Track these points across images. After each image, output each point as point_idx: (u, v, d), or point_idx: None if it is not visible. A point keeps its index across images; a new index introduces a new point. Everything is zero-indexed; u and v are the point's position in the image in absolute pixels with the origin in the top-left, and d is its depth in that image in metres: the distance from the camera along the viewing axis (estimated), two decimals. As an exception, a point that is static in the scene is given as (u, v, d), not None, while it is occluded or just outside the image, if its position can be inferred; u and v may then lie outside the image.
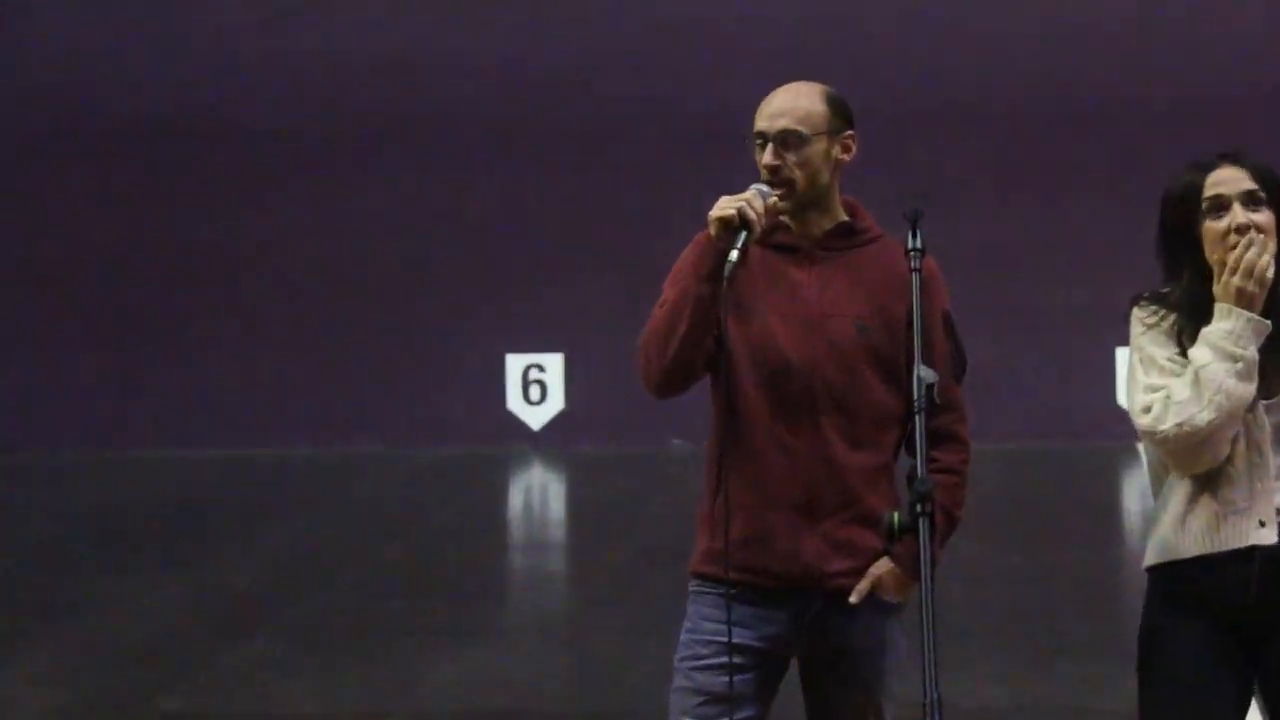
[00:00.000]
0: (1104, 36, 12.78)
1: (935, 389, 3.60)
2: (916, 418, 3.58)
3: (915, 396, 3.59)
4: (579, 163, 13.20)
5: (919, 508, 3.44)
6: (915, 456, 3.61)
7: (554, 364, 13.29)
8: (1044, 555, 8.88)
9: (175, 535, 10.34)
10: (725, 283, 3.68)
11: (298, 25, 13.35)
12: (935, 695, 3.31)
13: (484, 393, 13.27)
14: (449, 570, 9.20)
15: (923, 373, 3.61)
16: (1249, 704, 3.76)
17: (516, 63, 13.21)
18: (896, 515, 3.53)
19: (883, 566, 3.79)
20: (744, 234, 3.71)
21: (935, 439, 3.76)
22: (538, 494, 12.27)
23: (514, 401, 13.32)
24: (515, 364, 13.32)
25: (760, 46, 12.63)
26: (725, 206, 3.72)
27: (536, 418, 13.31)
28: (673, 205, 11.94)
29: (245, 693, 7.03)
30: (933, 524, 3.46)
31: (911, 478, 3.53)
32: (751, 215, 3.71)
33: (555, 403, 13.29)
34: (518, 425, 13.30)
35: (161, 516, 11.04)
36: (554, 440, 13.18)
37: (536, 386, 13.29)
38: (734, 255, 3.69)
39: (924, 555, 3.44)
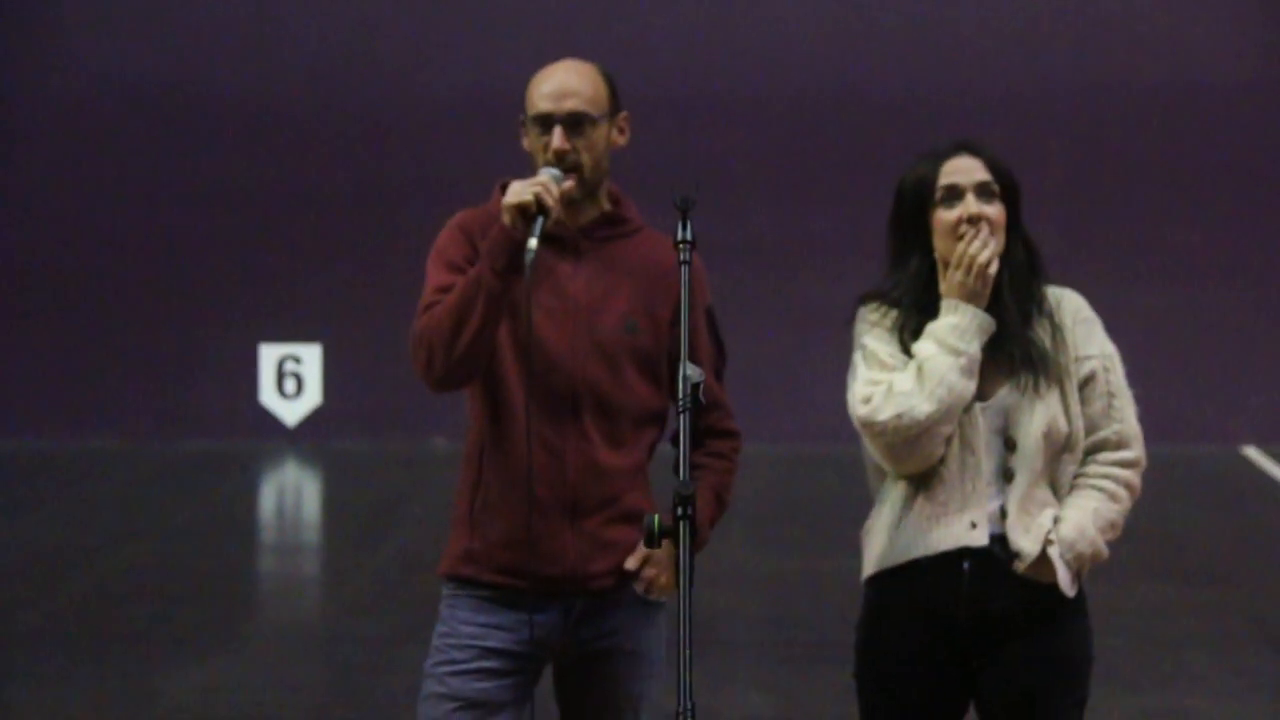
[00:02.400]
0: (888, 33, 13.04)
1: (701, 388, 3.66)
2: (682, 417, 3.63)
3: (681, 395, 3.64)
4: (339, 148, 13.17)
5: (680, 511, 3.50)
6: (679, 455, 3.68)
7: (311, 355, 13.23)
8: (810, 561, 9.06)
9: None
10: (528, 271, 3.65)
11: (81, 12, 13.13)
12: (689, 704, 3.36)
13: (236, 385, 13.17)
14: (194, 574, 9.11)
15: (689, 372, 3.66)
16: (964, 712, 3.87)
17: (275, 49, 13.12)
18: (657, 518, 3.58)
19: (654, 557, 3.83)
20: (540, 220, 3.68)
21: (708, 435, 3.85)
22: (291, 493, 12.20)
23: (268, 394, 13.23)
24: (270, 354, 13.24)
25: (524, 31, 12.69)
26: (521, 192, 3.69)
27: (292, 412, 13.23)
28: (434, 193, 11.97)
29: (-32, 703, 6.92)
30: (693, 526, 3.52)
31: (676, 476, 3.58)
32: (549, 200, 3.69)
33: (312, 396, 13.23)
34: (271, 420, 13.22)
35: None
36: (310, 436, 13.13)
37: (292, 379, 13.22)
38: (532, 243, 3.65)
39: (682, 559, 3.49)
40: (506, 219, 3.71)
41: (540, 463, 3.81)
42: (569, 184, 3.78)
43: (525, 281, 3.69)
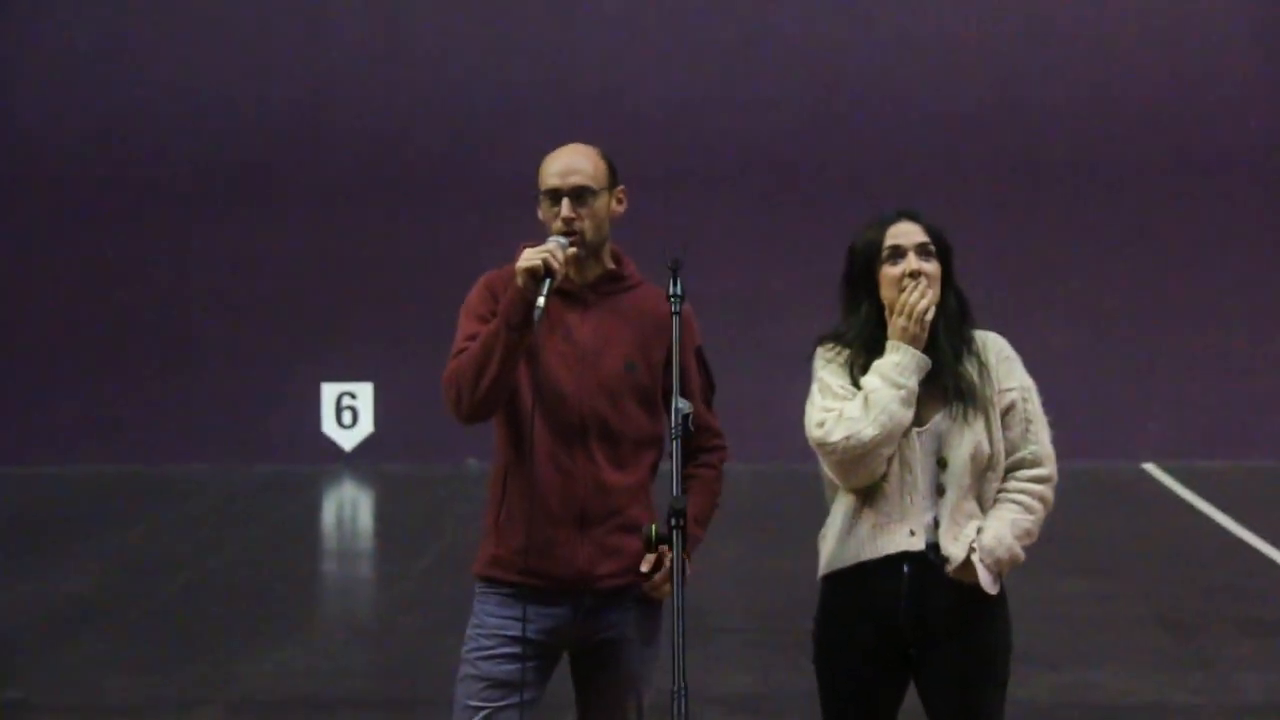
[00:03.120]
0: (836, 117, 13.07)
1: (690, 418, 3.68)
2: (674, 444, 3.65)
3: (673, 424, 3.66)
4: (387, 216, 13.18)
5: (673, 521, 3.52)
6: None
7: (364, 392, 13.22)
8: (787, 561, 9.03)
9: (15, 545, 10.08)
10: (535, 326, 3.67)
11: (129, 78, 13.14)
12: (683, 684, 3.36)
13: (301, 417, 13.15)
14: (266, 577, 9.09)
15: (680, 404, 3.68)
16: (904, 692, 3.86)
17: (334, 129, 13.15)
18: (654, 527, 3.60)
19: (665, 572, 3.82)
20: (548, 281, 3.69)
21: (699, 452, 3.88)
22: (348, 508, 12.17)
23: (328, 425, 13.21)
24: (330, 391, 13.22)
25: (542, 115, 12.73)
26: (531, 258, 3.70)
27: (348, 440, 13.21)
28: (464, 254, 11.98)
29: (78, 687, 6.89)
30: (684, 535, 3.52)
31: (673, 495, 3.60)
32: (555, 264, 3.69)
33: (365, 426, 13.21)
34: (331, 446, 13.19)
35: (1, 528, 10.76)
36: (364, 460, 13.10)
37: (349, 412, 13.20)
38: (541, 301, 3.66)
39: (676, 561, 3.49)
40: (519, 281, 3.71)
41: (554, 481, 3.81)
42: (573, 250, 3.79)
43: (536, 332, 3.71)
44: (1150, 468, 12.71)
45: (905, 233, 3.83)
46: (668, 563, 3.77)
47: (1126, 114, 13.02)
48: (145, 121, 13.14)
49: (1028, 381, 3.87)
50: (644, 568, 3.81)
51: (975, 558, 3.74)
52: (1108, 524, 10.40)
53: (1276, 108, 13.03)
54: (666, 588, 3.82)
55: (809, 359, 3.90)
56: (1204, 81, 13.01)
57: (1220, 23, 13.04)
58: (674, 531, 3.51)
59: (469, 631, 3.90)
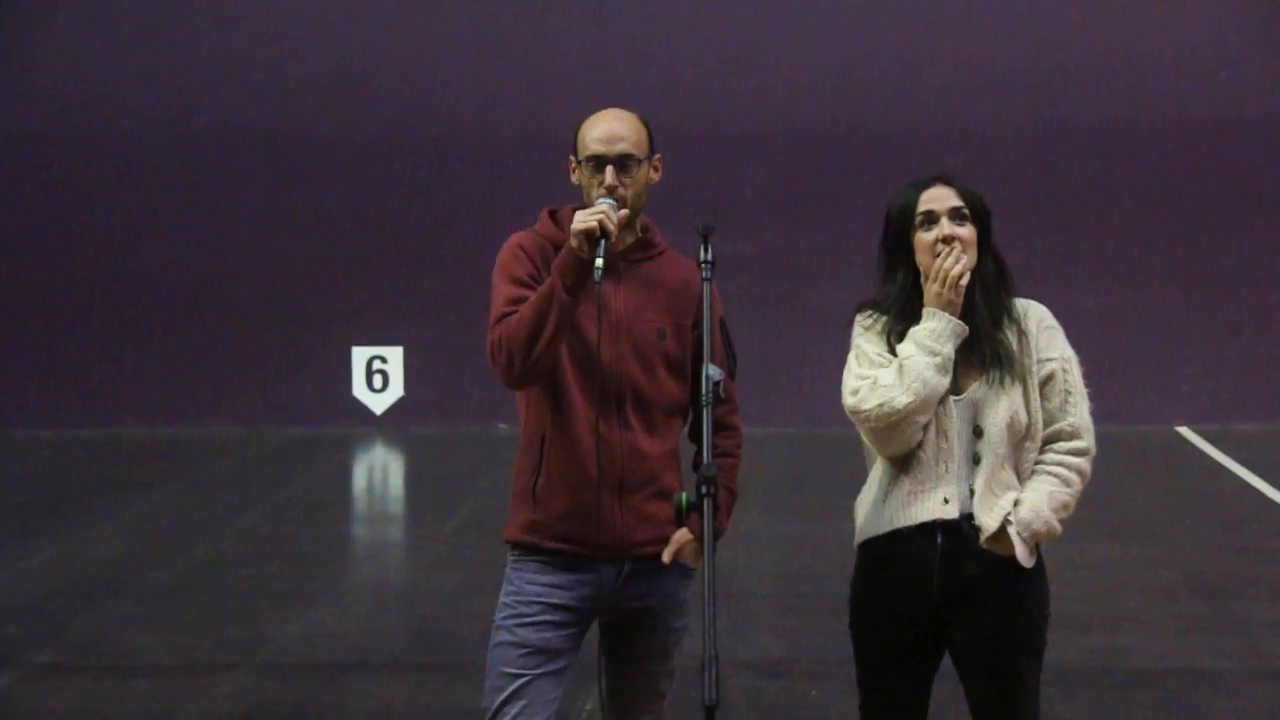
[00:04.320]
0: (879, 76, 13.00)
1: (720, 385, 3.65)
2: (705, 410, 3.62)
3: (705, 391, 3.62)
4: (414, 183, 13.18)
5: (704, 489, 3.49)
6: (698, 443, 3.66)
7: (395, 356, 13.24)
8: (815, 526, 9.03)
9: (46, 508, 10.14)
10: (595, 286, 3.64)
11: (162, 42, 13.15)
12: (714, 651, 3.34)
13: (332, 381, 13.19)
14: (297, 539, 9.12)
15: (711, 371, 3.65)
16: (939, 659, 3.85)
17: (361, 100, 13.15)
18: (685, 496, 3.58)
19: (683, 535, 3.81)
20: (604, 242, 3.65)
21: (715, 427, 3.78)
22: (379, 471, 12.20)
23: (359, 389, 13.24)
24: (360, 355, 13.25)
25: (569, 82, 12.70)
26: (586, 219, 3.65)
27: (379, 403, 13.24)
28: (493, 217, 11.98)
29: (111, 647, 6.92)
30: (715, 502, 3.50)
31: (698, 464, 3.57)
32: (610, 226, 3.66)
33: (395, 390, 13.24)
34: (362, 410, 13.23)
35: (33, 491, 10.82)
36: (394, 423, 13.13)
37: (379, 375, 13.22)
38: (599, 262, 3.63)
39: (707, 529, 3.47)
40: (574, 243, 3.66)
41: (592, 448, 3.78)
42: (624, 212, 3.76)
43: (594, 294, 3.69)
44: (1183, 430, 12.66)
45: (939, 197, 3.78)
46: (692, 542, 3.77)
47: (1158, 74, 12.92)
48: (174, 85, 13.15)
49: (1069, 352, 3.82)
50: (666, 557, 3.79)
51: (1012, 531, 3.71)
52: (1140, 487, 10.36)
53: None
54: (691, 554, 3.81)
55: (848, 325, 3.87)
56: (1243, 39, 12.89)
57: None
58: (705, 500, 3.49)
59: (505, 599, 3.86)
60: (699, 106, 12.88)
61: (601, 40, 13.08)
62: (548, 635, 3.80)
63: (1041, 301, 3.89)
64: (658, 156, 3.87)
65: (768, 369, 12.06)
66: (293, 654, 6.80)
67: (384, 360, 13.21)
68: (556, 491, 3.80)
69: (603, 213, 3.66)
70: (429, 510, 10.23)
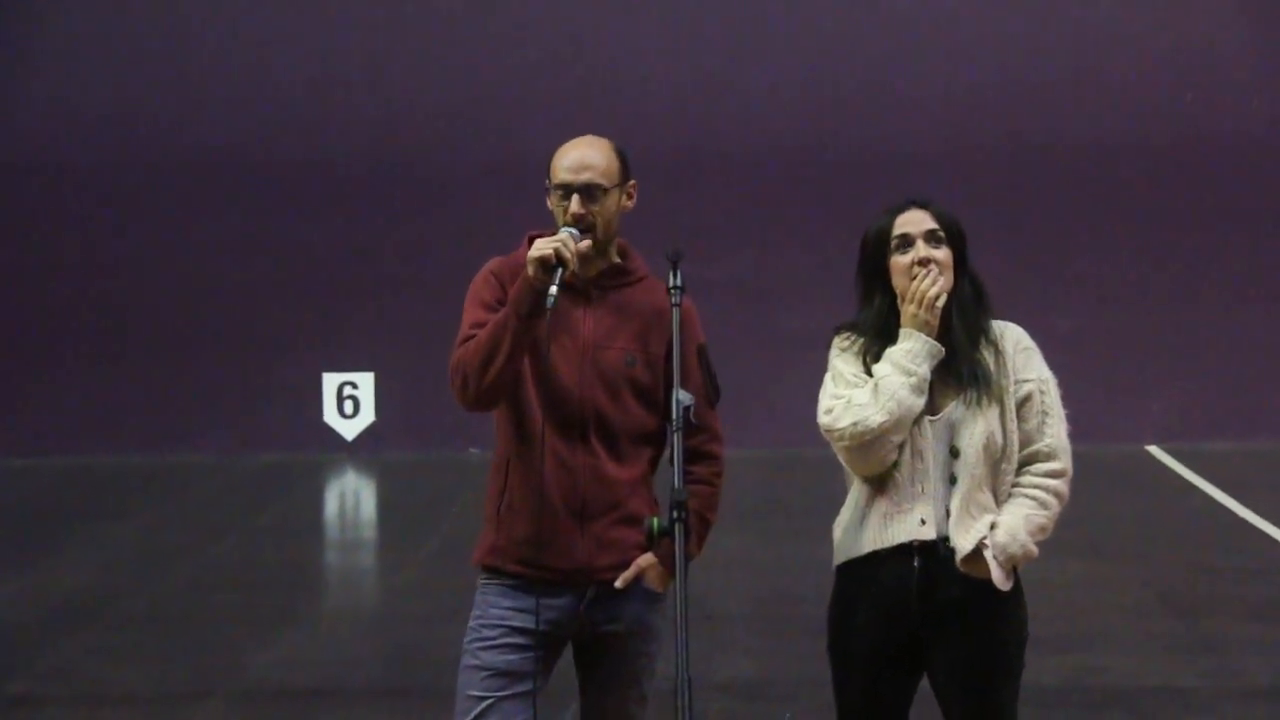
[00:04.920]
0: (850, 99, 13.05)
1: (691, 410, 3.66)
2: (675, 435, 3.63)
3: (674, 416, 3.64)
4: (385, 207, 13.17)
5: (675, 514, 3.51)
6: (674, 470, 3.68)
7: (365, 381, 13.21)
8: (790, 548, 9.04)
9: (17, 537, 10.08)
10: (548, 314, 3.65)
11: (131, 68, 13.13)
12: (686, 674, 3.36)
13: (303, 407, 13.15)
14: (270, 566, 9.09)
15: (680, 396, 3.67)
16: (917, 681, 3.85)
17: (330, 125, 13.14)
18: (656, 520, 3.60)
19: (647, 560, 3.82)
20: (560, 271, 3.67)
21: (693, 456, 3.81)
22: (351, 497, 12.18)
23: (330, 415, 13.21)
24: (331, 381, 13.22)
25: (542, 108, 12.72)
26: (542, 248, 3.67)
27: (350, 429, 13.21)
28: (465, 243, 11.98)
29: (84, 677, 6.89)
30: (687, 528, 3.52)
31: (672, 489, 3.60)
32: (567, 255, 3.67)
33: (366, 416, 13.21)
34: (333, 436, 13.19)
35: (2, 521, 10.77)
36: (365, 449, 13.11)
37: (350, 401, 13.20)
38: (553, 290, 3.64)
39: (679, 553, 3.49)
40: (530, 270, 3.69)
41: (555, 473, 3.79)
42: (585, 243, 3.77)
43: (545, 323, 3.69)
44: (1153, 449, 12.71)
45: (914, 221, 3.81)
46: (656, 566, 3.78)
47: (1128, 95, 13.00)
48: (144, 110, 13.13)
49: (1046, 374, 3.84)
50: (620, 584, 3.80)
51: (988, 554, 3.73)
52: (1111, 506, 10.40)
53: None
54: (657, 578, 3.82)
55: (824, 347, 3.89)
56: (1206, 61, 12.99)
57: (1220, 5, 13.03)
58: (675, 524, 3.51)
59: (471, 622, 3.88)
60: (673, 131, 12.91)
61: (576, 65, 13.10)
62: (511, 658, 3.80)
63: (1009, 319, 3.91)
64: (632, 184, 3.89)
65: (742, 391, 12.07)
66: (267, 681, 6.78)
67: (355, 386, 13.19)
68: (518, 516, 3.81)
69: (561, 241, 3.69)
70: (402, 536, 10.21)
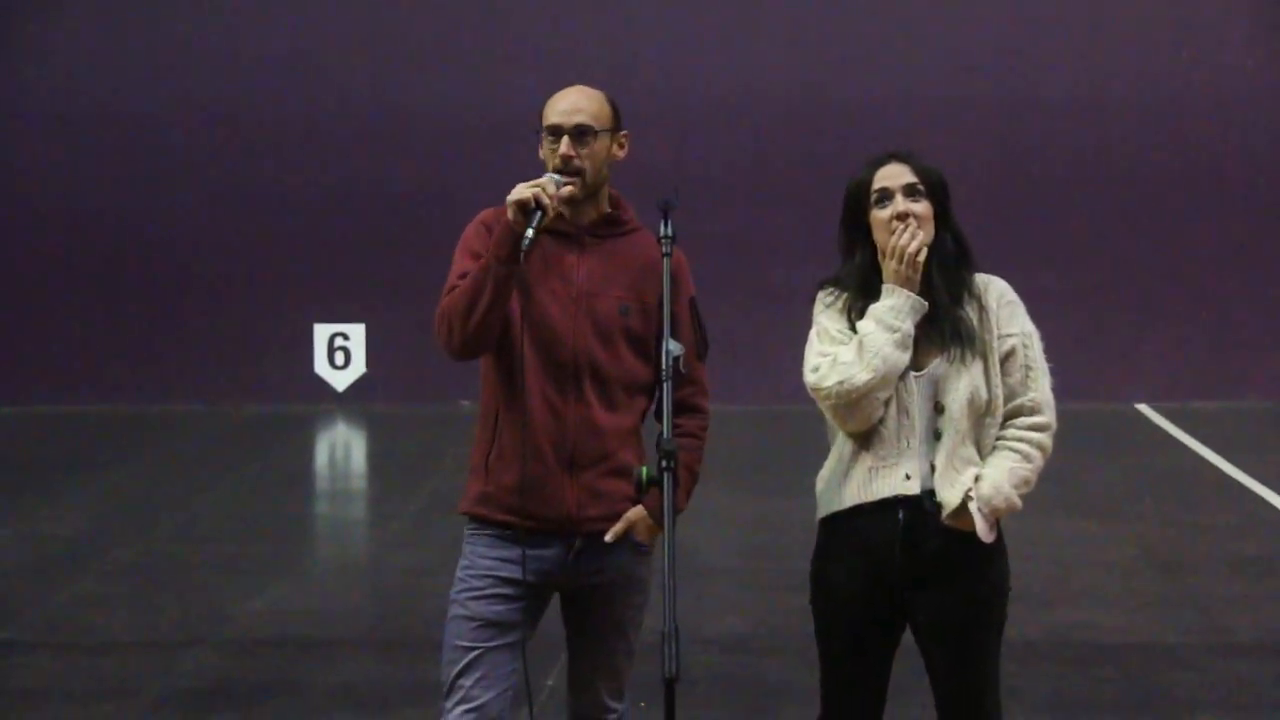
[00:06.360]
0: (840, 58, 13.01)
1: (681, 361, 3.65)
2: (665, 384, 3.62)
3: (663, 366, 3.63)
4: (378, 162, 13.13)
5: (664, 464, 3.50)
6: (662, 421, 3.67)
7: (356, 333, 13.20)
8: (777, 503, 9.05)
9: (6, 485, 10.08)
10: (522, 259, 3.65)
11: (120, 23, 13.06)
12: (673, 626, 3.35)
13: (294, 358, 13.14)
14: (260, 516, 9.10)
15: (670, 346, 3.65)
16: (900, 635, 3.86)
17: (322, 79, 13.09)
18: (645, 470, 3.58)
19: (636, 513, 3.82)
20: (538, 215, 3.66)
21: (680, 408, 3.80)
22: (341, 449, 12.18)
23: (320, 366, 13.20)
24: (322, 332, 13.21)
25: (530, 64, 12.67)
26: (521, 191, 3.67)
27: (341, 380, 13.20)
28: (456, 195, 11.97)
29: (71, 625, 6.90)
30: (676, 478, 3.51)
31: (659, 439, 3.58)
32: (545, 199, 3.66)
33: (357, 367, 13.20)
34: (324, 387, 13.19)
35: (-6, 468, 10.79)
36: (356, 400, 13.10)
37: (341, 352, 13.19)
38: (529, 234, 3.64)
39: (667, 504, 3.48)
40: (509, 215, 3.69)
41: (545, 421, 3.78)
42: (569, 188, 3.76)
43: (522, 266, 3.68)
44: (1143, 408, 12.73)
45: (892, 174, 3.79)
46: (644, 520, 3.78)
47: (1122, 52, 12.97)
48: (138, 63, 13.07)
49: (1029, 328, 3.83)
50: (609, 538, 3.79)
51: (972, 506, 3.73)
52: (1100, 464, 10.42)
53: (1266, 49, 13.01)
54: (644, 530, 3.82)
55: (811, 303, 3.88)
56: (1193, 20, 12.95)
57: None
58: (664, 474, 3.50)
59: (459, 573, 3.88)
60: (663, 85, 12.87)
61: (565, 19, 13.05)
62: (498, 608, 3.80)
63: (1001, 278, 3.90)
64: (624, 134, 3.89)
65: (729, 347, 12.07)
66: (255, 631, 6.79)
67: (346, 337, 13.18)
68: (507, 465, 3.80)
69: (540, 185, 3.68)
70: (391, 487, 10.22)
